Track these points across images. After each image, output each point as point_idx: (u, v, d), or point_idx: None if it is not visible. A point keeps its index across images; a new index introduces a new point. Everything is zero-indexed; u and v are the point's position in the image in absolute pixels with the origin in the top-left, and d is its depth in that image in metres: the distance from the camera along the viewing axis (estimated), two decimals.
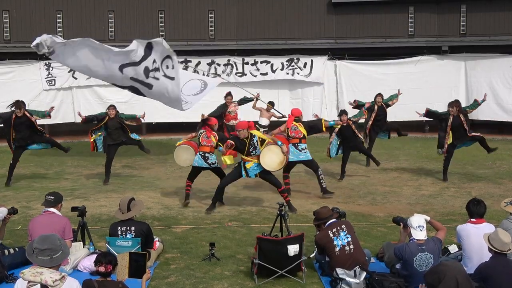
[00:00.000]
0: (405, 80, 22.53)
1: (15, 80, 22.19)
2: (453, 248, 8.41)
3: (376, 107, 16.06)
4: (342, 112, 14.75)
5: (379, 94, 16.34)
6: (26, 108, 14.48)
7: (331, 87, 23.37)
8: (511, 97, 22.06)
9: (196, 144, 12.45)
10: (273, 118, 18.37)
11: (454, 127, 13.95)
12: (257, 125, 16.75)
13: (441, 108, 22.46)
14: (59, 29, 23.75)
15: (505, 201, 8.24)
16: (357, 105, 16.34)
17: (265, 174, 11.45)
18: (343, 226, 7.91)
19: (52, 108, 15.42)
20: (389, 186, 13.93)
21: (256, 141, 11.34)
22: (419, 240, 7.47)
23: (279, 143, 11.29)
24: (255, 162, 11.37)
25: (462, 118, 13.97)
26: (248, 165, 11.42)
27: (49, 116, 15.00)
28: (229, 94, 17.10)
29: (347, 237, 7.81)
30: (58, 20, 23.84)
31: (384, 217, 11.13)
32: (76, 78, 22.40)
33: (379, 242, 9.31)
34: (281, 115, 17.44)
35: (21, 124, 14.09)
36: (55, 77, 22.34)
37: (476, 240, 7.46)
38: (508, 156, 17.62)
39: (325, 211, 8.19)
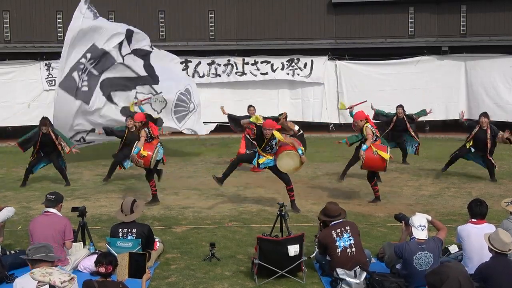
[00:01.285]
0: (405, 80, 22.59)
1: (16, 80, 22.20)
2: (453, 248, 8.41)
3: (395, 118, 16.10)
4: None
5: (401, 106, 16.35)
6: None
7: (331, 87, 23.38)
8: (511, 97, 22.07)
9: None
10: None
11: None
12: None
13: (442, 108, 22.63)
14: (59, 30, 23.76)
15: (505, 200, 8.24)
16: (375, 114, 16.38)
17: (275, 169, 11.53)
18: (348, 228, 7.91)
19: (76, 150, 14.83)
20: (390, 186, 13.93)
21: (275, 143, 11.37)
22: (420, 239, 7.47)
23: (300, 151, 11.29)
24: (269, 158, 11.44)
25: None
26: (261, 160, 11.51)
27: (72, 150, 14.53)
28: (251, 106, 16.39)
29: (350, 239, 7.81)
30: (58, 20, 23.85)
31: (384, 217, 11.13)
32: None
33: (379, 242, 9.31)
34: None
35: (46, 141, 14.19)
36: (55, 77, 22.25)
37: (477, 240, 7.46)
38: (508, 156, 17.62)
39: (334, 208, 8.13)
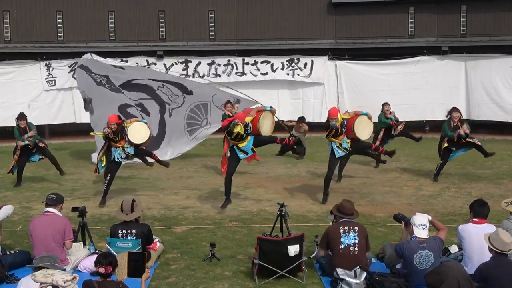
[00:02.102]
0: (405, 81, 22.59)
1: (16, 80, 22.21)
2: (453, 249, 8.42)
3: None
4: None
5: (387, 104, 16.27)
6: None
7: (331, 88, 23.38)
8: (511, 97, 22.06)
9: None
10: None
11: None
12: None
13: (442, 108, 22.59)
14: (59, 30, 23.76)
15: (506, 201, 8.26)
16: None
17: (257, 140, 11.79)
18: (356, 228, 7.93)
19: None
20: (389, 186, 13.93)
21: (250, 127, 11.62)
22: (421, 238, 7.48)
23: (268, 108, 11.85)
24: (247, 141, 11.65)
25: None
26: (241, 145, 11.62)
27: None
28: (228, 102, 16.23)
29: (355, 239, 7.83)
30: (59, 20, 23.84)
31: (385, 217, 11.13)
32: (76, 79, 22.38)
33: (380, 242, 9.31)
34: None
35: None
36: (56, 77, 22.36)
37: (477, 240, 7.46)
38: (508, 156, 17.62)
39: (349, 206, 8.16)
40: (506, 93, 22.08)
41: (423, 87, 22.63)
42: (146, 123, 12.89)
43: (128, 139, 12.39)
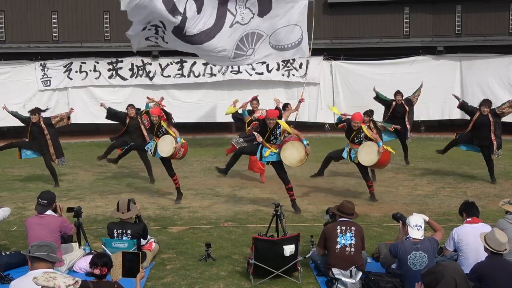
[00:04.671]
0: (400, 80, 22.51)
1: (11, 80, 22.12)
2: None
3: (394, 103, 16.14)
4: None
5: (399, 92, 16.38)
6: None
7: (326, 88, 23.36)
8: (506, 97, 22.04)
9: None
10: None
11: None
12: None
13: (437, 108, 22.65)
14: (54, 30, 23.72)
15: (504, 200, 8.30)
16: (377, 96, 16.63)
17: (278, 166, 11.47)
18: (353, 228, 7.95)
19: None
20: (385, 186, 13.95)
21: (280, 132, 11.29)
22: (415, 238, 7.49)
23: (305, 142, 11.22)
24: (273, 151, 11.37)
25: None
26: (265, 153, 11.44)
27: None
28: (255, 98, 15.65)
29: (352, 239, 7.84)
30: (54, 21, 23.79)
31: (380, 217, 11.15)
32: (71, 79, 22.38)
33: (375, 242, 9.32)
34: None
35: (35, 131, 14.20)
36: (50, 77, 22.29)
37: (473, 240, 7.48)
38: (503, 156, 17.60)
39: (349, 206, 8.22)
40: (501, 93, 22.06)
41: (418, 87, 22.61)
42: (180, 142, 12.25)
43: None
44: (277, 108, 14.61)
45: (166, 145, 12.15)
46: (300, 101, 14.24)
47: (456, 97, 14.92)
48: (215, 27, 14.43)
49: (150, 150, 12.67)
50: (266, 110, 11.84)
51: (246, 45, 14.95)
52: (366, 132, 12.05)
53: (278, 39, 15.01)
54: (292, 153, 11.27)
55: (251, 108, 14.93)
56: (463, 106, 14.46)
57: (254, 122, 11.58)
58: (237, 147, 13.70)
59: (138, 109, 14.84)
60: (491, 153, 14.01)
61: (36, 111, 14.18)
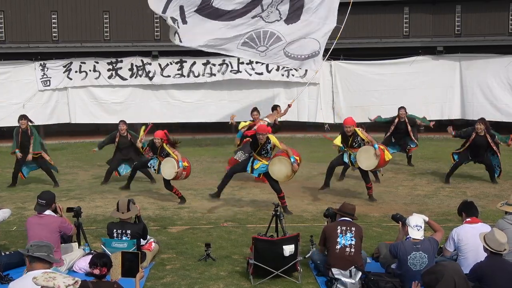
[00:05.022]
0: (400, 81, 22.58)
1: (10, 80, 22.12)
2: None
3: (397, 120, 15.97)
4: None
5: (403, 108, 16.21)
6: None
7: (326, 88, 23.35)
8: (505, 97, 22.10)
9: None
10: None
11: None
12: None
13: (437, 108, 22.64)
14: (54, 30, 23.71)
15: (501, 202, 8.31)
16: (376, 121, 16.43)
17: (269, 176, 11.52)
18: (353, 229, 7.95)
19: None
20: (385, 186, 13.95)
21: (270, 147, 11.42)
22: (415, 239, 7.50)
23: (293, 159, 11.26)
24: (264, 163, 11.46)
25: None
26: (256, 165, 11.52)
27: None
28: (255, 109, 15.28)
29: (352, 240, 7.84)
30: (53, 20, 23.79)
31: (380, 217, 11.15)
32: (71, 79, 22.37)
33: (375, 242, 9.32)
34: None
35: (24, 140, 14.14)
36: (50, 77, 22.28)
37: (473, 240, 7.48)
38: (503, 156, 17.57)
39: (351, 207, 8.27)
40: (500, 93, 22.10)
41: (418, 87, 22.64)
42: (182, 167, 12.29)
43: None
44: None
45: (168, 169, 12.29)
46: (288, 106, 14.29)
47: (449, 130, 14.37)
48: (238, 12, 14.70)
49: (154, 167, 12.78)
50: (258, 126, 11.88)
51: (261, 41, 15.06)
52: (361, 135, 12.20)
53: (294, 48, 15.21)
54: (280, 169, 11.37)
55: (252, 118, 14.78)
56: (458, 135, 14.40)
57: (245, 140, 11.65)
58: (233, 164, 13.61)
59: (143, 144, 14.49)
60: (495, 175, 14.21)
61: (23, 117, 14.24)
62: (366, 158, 12.06)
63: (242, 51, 15.52)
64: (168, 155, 12.34)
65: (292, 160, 11.23)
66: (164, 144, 12.39)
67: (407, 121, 15.96)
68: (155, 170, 12.81)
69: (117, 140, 14.66)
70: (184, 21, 14.94)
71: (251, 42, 15.24)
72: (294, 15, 15.50)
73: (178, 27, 14.85)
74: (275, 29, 15.31)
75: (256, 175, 11.82)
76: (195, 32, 14.94)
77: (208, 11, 15.05)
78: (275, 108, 15.53)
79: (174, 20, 14.84)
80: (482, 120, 14.27)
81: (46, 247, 5.74)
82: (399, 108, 16.18)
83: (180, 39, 15.08)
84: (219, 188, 11.79)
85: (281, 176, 11.41)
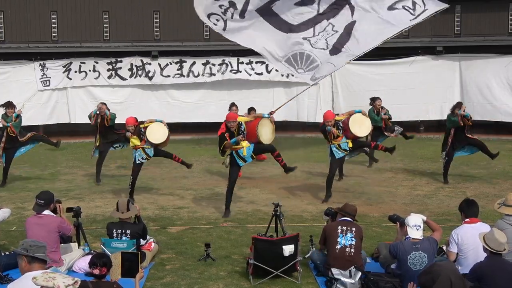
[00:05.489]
0: (400, 81, 22.57)
1: (10, 80, 22.11)
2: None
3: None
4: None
5: (378, 98, 16.12)
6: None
7: (326, 88, 23.35)
8: (505, 97, 22.09)
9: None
10: None
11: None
12: None
13: (436, 108, 22.62)
14: (53, 30, 23.69)
15: (498, 202, 8.26)
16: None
17: (258, 148, 11.56)
18: (353, 229, 7.95)
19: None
20: (384, 186, 13.95)
21: (244, 128, 11.45)
22: (414, 238, 7.49)
23: (265, 115, 11.49)
24: (247, 146, 11.42)
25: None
26: (243, 153, 11.43)
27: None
28: (233, 105, 15.86)
29: (352, 240, 7.84)
30: (53, 20, 23.77)
31: (379, 217, 11.15)
32: (70, 79, 22.37)
33: (374, 242, 9.32)
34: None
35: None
36: (50, 77, 22.28)
37: (473, 240, 7.46)
38: (502, 156, 17.60)
39: (352, 208, 8.27)
40: (500, 93, 22.08)
41: (417, 87, 22.63)
42: (161, 121, 12.70)
43: (147, 139, 12.41)
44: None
45: (157, 131, 12.37)
46: (271, 113, 14.35)
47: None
48: (293, 26, 14.68)
49: (143, 158, 12.66)
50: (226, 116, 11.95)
51: (302, 62, 15.03)
52: (340, 118, 12.49)
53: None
54: (266, 131, 11.46)
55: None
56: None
57: (226, 142, 11.47)
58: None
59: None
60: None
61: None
62: (360, 125, 12.34)
63: (282, 65, 15.58)
64: (145, 130, 12.40)
65: (265, 115, 11.49)
66: (139, 126, 12.47)
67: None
68: (144, 159, 12.66)
69: (99, 120, 14.54)
70: (242, 15, 14.73)
71: (293, 61, 15.28)
72: (338, 47, 15.62)
73: (232, 18, 14.55)
74: (317, 55, 15.38)
75: (250, 159, 11.67)
76: (249, 33, 14.72)
77: (268, 15, 14.89)
78: (251, 110, 15.60)
79: (225, 8, 14.53)
80: (459, 104, 14.88)
81: (44, 248, 5.76)
82: (376, 99, 16.08)
83: (225, 27, 14.66)
84: (227, 206, 11.55)
85: (270, 134, 11.51)
